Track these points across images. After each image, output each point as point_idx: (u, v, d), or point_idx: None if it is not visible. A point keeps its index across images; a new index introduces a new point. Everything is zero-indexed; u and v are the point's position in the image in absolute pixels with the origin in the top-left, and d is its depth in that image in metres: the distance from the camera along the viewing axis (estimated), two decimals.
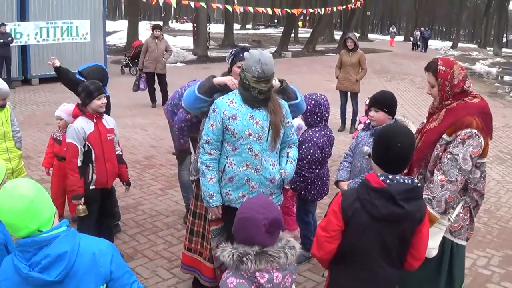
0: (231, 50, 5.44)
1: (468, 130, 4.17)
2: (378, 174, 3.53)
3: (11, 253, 3.00)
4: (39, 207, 2.88)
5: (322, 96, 6.20)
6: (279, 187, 4.99)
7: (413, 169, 4.55)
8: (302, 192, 6.19)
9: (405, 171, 4.51)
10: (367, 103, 5.98)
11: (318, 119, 6.07)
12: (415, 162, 4.45)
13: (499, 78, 33.65)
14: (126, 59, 24.85)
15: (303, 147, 5.93)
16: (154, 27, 17.32)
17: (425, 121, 4.71)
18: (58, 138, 7.20)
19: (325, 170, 6.31)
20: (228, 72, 5.30)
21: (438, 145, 4.32)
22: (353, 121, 13.88)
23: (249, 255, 3.14)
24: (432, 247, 4.18)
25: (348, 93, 14.08)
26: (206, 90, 4.93)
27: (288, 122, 4.90)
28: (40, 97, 18.41)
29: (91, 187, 5.90)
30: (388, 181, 3.47)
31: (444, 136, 4.28)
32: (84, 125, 5.78)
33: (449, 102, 4.43)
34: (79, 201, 5.76)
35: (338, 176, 5.57)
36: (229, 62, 5.25)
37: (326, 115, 6.15)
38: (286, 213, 6.67)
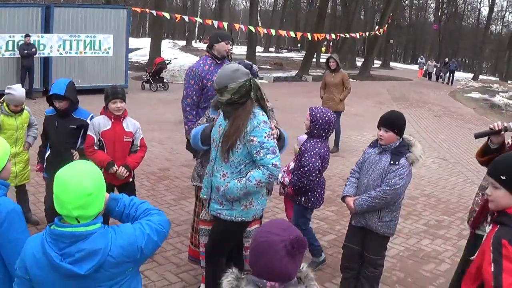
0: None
1: None
2: None
3: (40, 233, 3.02)
4: (91, 202, 2.94)
5: (334, 115, 6.45)
6: (228, 200, 4.85)
7: None
8: (303, 199, 6.35)
9: (485, 197, 4.59)
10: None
11: (323, 133, 6.26)
12: None
13: None
14: (147, 75, 25.03)
15: (306, 155, 6.17)
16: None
17: None
18: None
19: (322, 179, 6.51)
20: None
21: None
22: (336, 142, 13.83)
23: None
24: None
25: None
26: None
27: (252, 140, 4.65)
28: None
29: None
30: None
31: None
32: (101, 121, 6.39)
33: None
34: (113, 168, 6.30)
35: (345, 191, 5.61)
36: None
37: (330, 132, 6.37)
38: None
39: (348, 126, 16.30)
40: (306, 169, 6.12)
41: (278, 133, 4.99)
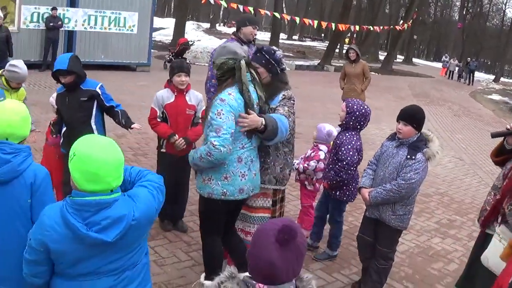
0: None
1: None
2: None
3: (56, 204, 3.06)
4: (122, 169, 3.05)
5: (369, 108, 6.38)
6: (193, 166, 5.09)
7: (504, 197, 4.61)
8: (337, 193, 6.38)
9: (497, 197, 4.58)
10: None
11: (359, 126, 6.23)
12: (506, 191, 4.53)
13: None
14: (170, 55, 25.01)
15: (343, 149, 6.12)
16: None
17: None
18: None
19: (356, 172, 6.46)
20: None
21: None
22: None
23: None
24: None
25: None
26: None
27: (208, 115, 4.80)
28: None
29: (162, 150, 6.85)
30: None
31: None
32: (164, 94, 6.71)
33: None
34: (174, 137, 6.59)
35: (361, 183, 5.66)
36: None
37: (365, 125, 6.33)
38: (305, 213, 6.88)
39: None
40: (345, 163, 6.09)
41: (264, 122, 4.76)
